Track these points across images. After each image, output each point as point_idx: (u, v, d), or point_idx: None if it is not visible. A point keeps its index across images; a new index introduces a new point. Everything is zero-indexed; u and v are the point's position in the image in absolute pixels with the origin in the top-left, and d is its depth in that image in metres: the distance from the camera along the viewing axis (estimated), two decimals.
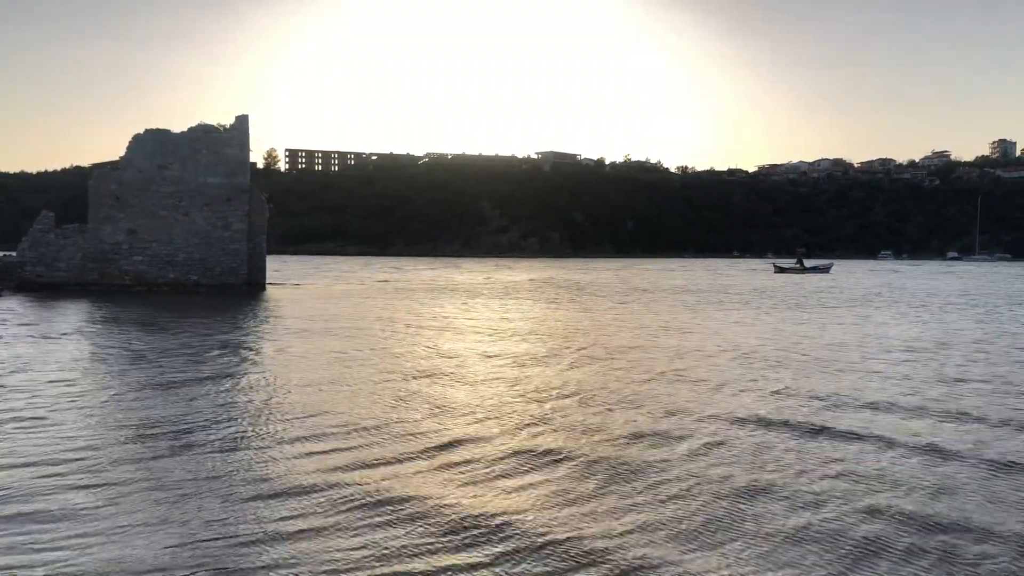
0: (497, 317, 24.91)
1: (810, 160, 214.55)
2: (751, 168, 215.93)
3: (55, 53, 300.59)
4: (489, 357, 15.66)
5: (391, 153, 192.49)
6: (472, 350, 16.78)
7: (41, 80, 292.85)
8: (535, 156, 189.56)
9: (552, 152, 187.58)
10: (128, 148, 34.34)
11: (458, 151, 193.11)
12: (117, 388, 11.97)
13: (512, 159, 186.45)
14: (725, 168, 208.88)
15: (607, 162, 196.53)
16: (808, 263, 72.44)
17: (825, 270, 69.31)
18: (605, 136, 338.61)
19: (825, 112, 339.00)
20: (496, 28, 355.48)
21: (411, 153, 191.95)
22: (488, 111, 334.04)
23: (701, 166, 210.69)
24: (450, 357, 15.59)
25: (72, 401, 10.96)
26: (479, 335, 19.70)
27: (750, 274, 69.09)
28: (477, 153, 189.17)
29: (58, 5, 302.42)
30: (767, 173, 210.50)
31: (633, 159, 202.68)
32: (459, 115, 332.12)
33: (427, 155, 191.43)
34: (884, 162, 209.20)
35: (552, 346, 17.48)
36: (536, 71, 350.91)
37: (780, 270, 70.27)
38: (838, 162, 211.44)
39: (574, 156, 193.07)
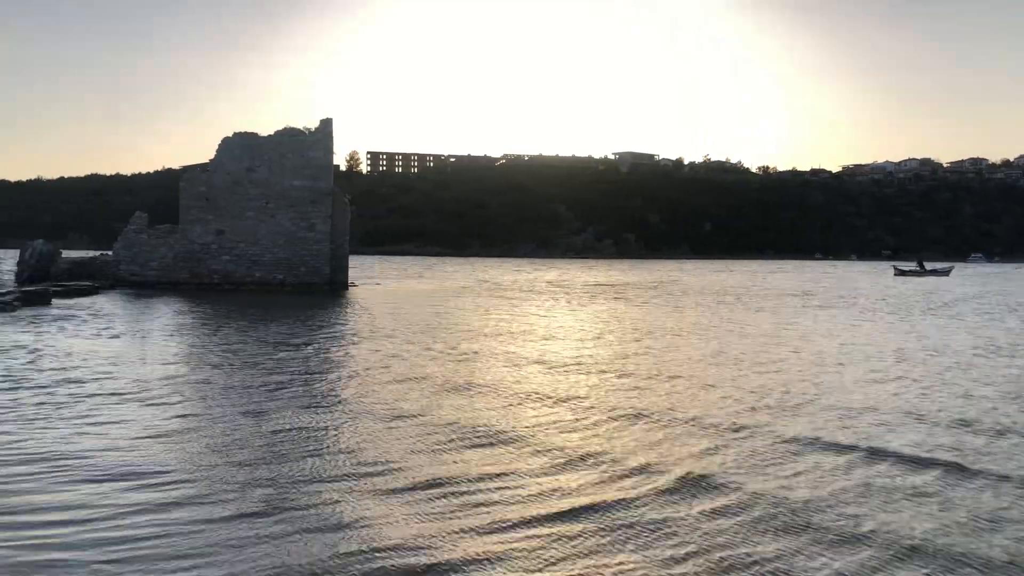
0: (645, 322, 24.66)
1: (896, 160, 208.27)
2: (835, 168, 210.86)
3: (147, 61, 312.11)
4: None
5: (468, 155, 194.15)
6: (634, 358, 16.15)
7: (134, 86, 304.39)
8: (612, 157, 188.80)
9: (629, 153, 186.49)
10: (217, 151, 35.45)
11: (535, 152, 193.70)
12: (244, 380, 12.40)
13: (588, 160, 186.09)
14: (808, 168, 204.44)
15: (685, 162, 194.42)
16: (928, 266, 70.36)
17: (945, 273, 67.17)
18: (684, 136, 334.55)
19: (915, 111, 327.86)
20: (573, 27, 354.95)
21: (488, 155, 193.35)
22: (566, 111, 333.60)
23: (783, 166, 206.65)
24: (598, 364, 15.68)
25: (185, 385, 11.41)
26: (632, 340, 19.28)
27: (866, 276, 66.82)
28: (554, 154, 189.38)
29: (145, 14, 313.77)
30: (851, 173, 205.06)
31: (712, 159, 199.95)
32: (537, 116, 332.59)
33: (504, 156, 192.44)
34: (975, 162, 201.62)
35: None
36: (616, 71, 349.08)
37: (900, 272, 68.46)
38: (926, 162, 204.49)
39: (651, 156, 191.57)
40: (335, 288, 35.74)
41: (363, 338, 18.52)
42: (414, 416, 10.15)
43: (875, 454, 8.63)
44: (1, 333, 17.91)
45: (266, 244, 35.42)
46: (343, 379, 13.03)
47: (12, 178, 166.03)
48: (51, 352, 15.10)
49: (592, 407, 10.92)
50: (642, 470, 7.88)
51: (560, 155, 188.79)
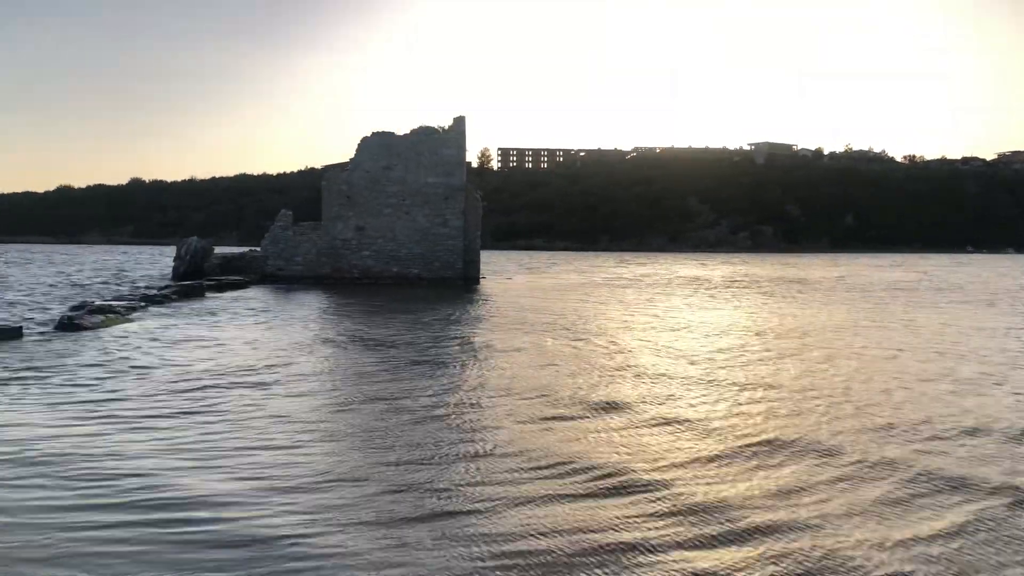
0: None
1: None
2: (989, 156, 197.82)
3: (289, 65, 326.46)
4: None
5: (599, 149, 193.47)
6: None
7: (281, 90, 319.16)
8: (747, 148, 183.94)
9: (766, 143, 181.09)
10: (356, 150, 36.76)
11: (666, 145, 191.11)
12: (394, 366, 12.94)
13: (723, 151, 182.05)
14: (959, 156, 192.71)
15: (825, 152, 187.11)
16: None
17: None
18: (824, 124, 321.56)
19: None
20: (705, 15, 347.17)
21: (618, 148, 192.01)
22: (698, 103, 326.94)
23: (931, 155, 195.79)
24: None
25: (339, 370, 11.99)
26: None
27: None
28: (686, 146, 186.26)
29: (286, 20, 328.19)
30: (1008, 161, 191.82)
31: (854, 148, 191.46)
32: (668, 108, 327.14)
33: (634, 150, 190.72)
34: None
35: None
36: (750, 59, 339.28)
37: None
38: None
39: (789, 147, 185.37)
40: (467, 282, 36.45)
41: (502, 331, 18.77)
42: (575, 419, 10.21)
43: None
44: (164, 326, 19.23)
45: (402, 240, 36.48)
46: (495, 374, 13.28)
47: (168, 179, 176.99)
48: (211, 343, 16.10)
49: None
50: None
51: (692, 147, 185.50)
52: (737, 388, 11.75)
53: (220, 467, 7.56)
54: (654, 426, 9.49)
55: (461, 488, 7.00)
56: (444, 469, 7.60)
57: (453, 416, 9.86)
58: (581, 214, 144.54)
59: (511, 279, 44.62)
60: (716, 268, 64.90)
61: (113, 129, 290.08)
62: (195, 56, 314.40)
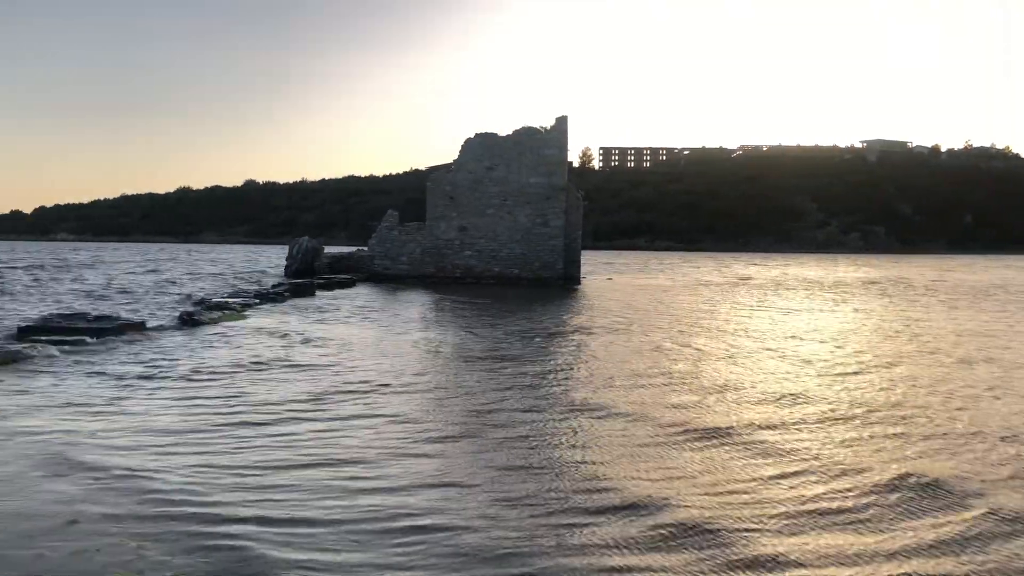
0: None
1: None
2: None
3: (396, 70, 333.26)
4: None
5: (703, 147, 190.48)
6: None
7: (386, 92, 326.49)
8: (859, 145, 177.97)
9: (879, 140, 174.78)
10: (460, 152, 37.35)
11: (773, 143, 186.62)
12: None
13: (833, 149, 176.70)
14: None
15: (943, 149, 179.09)
16: None
17: None
18: (941, 121, 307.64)
19: None
20: (812, 9, 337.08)
21: (724, 147, 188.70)
22: (807, 99, 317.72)
23: None
24: None
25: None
26: None
27: None
28: (795, 144, 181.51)
29: (392, 22, 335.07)
30: None
31: (974, 145, 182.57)
32: (775, 105, 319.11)
33: (740, 148, 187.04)
34: None
35: None
36: (860, 53, 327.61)
37: None
38: None
39: (904, 144, 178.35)
40: (568, 282, 36.53)
41: (608, 332, 18.73)
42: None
43: None
44: (278, 322, 20.07)
45: (504, 240, 36.88)
46: (606, 376, 13.36)
47: (281, 180, 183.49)
48: (327, 338, 16.72)
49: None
50: None
51: (801, 145, 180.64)
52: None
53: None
54: (755, 454, 9.36)
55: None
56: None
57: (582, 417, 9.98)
58: (684, 213, 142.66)
59: (612, 279, 44.50)
60: (829, 269, 63.03)
61: (229, 133, 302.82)
62: (306, 61, 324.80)
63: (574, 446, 8.45)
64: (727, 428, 9.10)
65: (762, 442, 8.55)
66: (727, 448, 8.32)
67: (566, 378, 12.69)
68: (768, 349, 16.01)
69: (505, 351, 15.25)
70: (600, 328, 19.41)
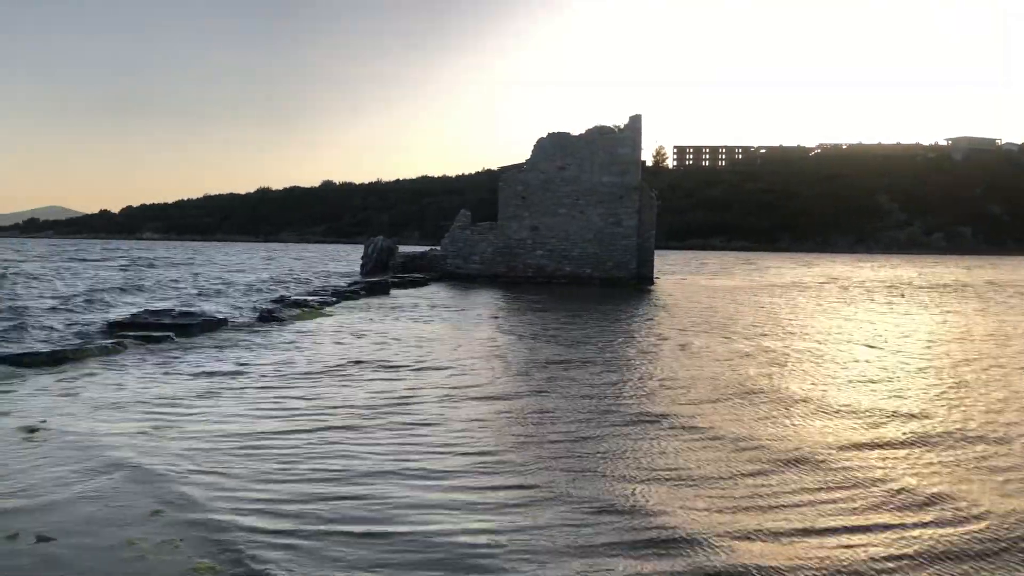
0: None
1: None
2: None
3: (469, 72, 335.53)
4: None
5: (780, 146, 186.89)
6: None
7: (458, 94, 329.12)
8: (944, 143, 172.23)
9: (965, 138, 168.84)
10: (532, 151, 37.45)
11: (854, 141, 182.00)
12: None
13: (916, 147, 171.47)
14: None
15: None
16: None
17: None
18: None
19: None
20: (895, 4, 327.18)
21: (802, 145, 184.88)
22: (889, 96, 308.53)
23: None
24: None
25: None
26: None
27: None
28: (876, 142, 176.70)
29: (462, 25, 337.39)
30: None
31: None
32: (856, 102, 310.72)
33: (819, 146, 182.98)
34: None
35: None
36: (944, 49, 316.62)
37: None
38: None
39: (992, 141, 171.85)
40: (641, 282, 36.30)
41: (687, 335, 18.55)
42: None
43: None
44: (358, 319, 20.49)
45: (575, 239, 36.85)
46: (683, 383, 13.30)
47: (357, 181, 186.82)
48: (406, 336, 17.02)
49: None
50: None
51: (883, 143, 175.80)
52: None
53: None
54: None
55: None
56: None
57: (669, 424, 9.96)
58: (760, 213, 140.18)
59: (686, 279, 44.05)
60: (915, 270, 61.17)
61: (308, 134, 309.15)
62: (373, 63, 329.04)
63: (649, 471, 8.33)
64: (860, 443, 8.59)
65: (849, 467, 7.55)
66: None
67: (648, 388, 12.55)
68: (864, 360, 15.48)
69: (584, 355, 15.25)
70: (678, 330, 19.20)
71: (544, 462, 7.61)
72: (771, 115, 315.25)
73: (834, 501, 6.60)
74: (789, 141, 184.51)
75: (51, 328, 17.05)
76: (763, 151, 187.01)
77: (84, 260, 56.07)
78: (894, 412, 9.99)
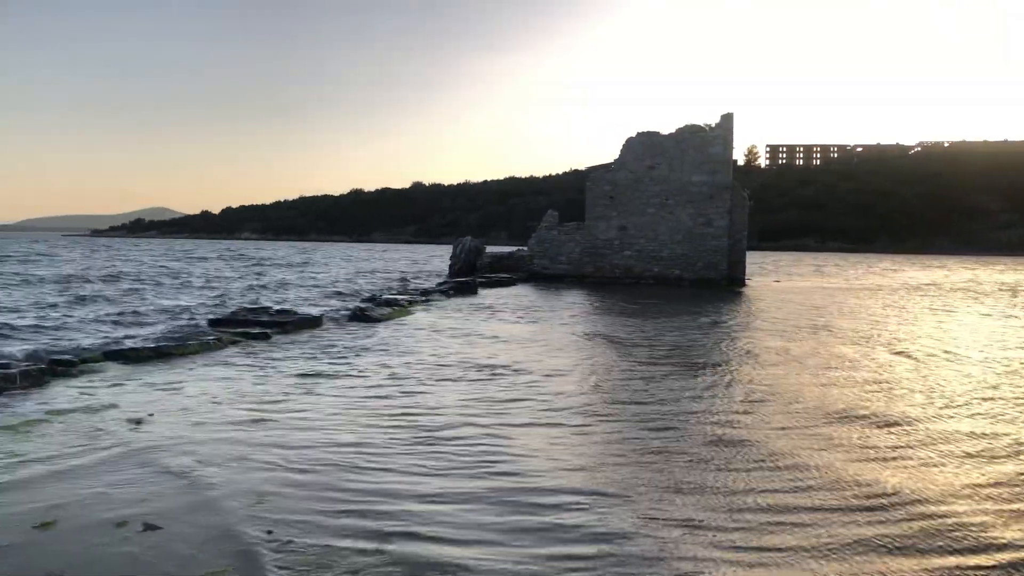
0: None
1: None
2: None
3: (557, 74, 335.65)
4: None
5: (877, 144, 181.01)
6: None
7: (545, 94, 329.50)
8: None
9: None
10: (621, 151, 37.16)
11: (956, 139, 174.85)
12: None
13: (1022, 145, 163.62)
14: None
15: None
16: None
17: None
18: None
19: None
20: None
21: (900, 143, 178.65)
22: (995, 92, 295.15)
23: None
24: None
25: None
26: None
27: None
28: (980, 140, 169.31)
29: (553, 26, 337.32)
30: None
31: None
32: (959, 99, 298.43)
33: (918, 144, 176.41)
34: None
35: None
36: None
37: None
38: None
39: None
40: (732, 284, 35.59)
41: (786, 339, 17.99)
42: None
43: None
44: (447, 317, 20.70)
45: (664, 240, 36.41)
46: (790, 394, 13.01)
47: (446, 182, 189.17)
48: (496, 336, 17.11)
49: None
50: None
51: (987, 140, 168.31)
52: None
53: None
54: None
55: None
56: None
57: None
58: (856, 213, 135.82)
59: (780, 281, 42.98)
60: (984, 272, 58.30)
61: (399, 136, 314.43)
62: (453, 65, 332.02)
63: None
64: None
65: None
66: None
67: (751, 402, 12.29)
68: (979, 377, 14.89)
69: (685, 357, 15.05)
70: (775, 332, 18.73)
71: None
72: (869, 113, 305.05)
73: None
74: (887, 140, 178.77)
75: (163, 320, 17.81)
76: (859, 150, 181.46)
77: (203, 259, 58.31)
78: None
